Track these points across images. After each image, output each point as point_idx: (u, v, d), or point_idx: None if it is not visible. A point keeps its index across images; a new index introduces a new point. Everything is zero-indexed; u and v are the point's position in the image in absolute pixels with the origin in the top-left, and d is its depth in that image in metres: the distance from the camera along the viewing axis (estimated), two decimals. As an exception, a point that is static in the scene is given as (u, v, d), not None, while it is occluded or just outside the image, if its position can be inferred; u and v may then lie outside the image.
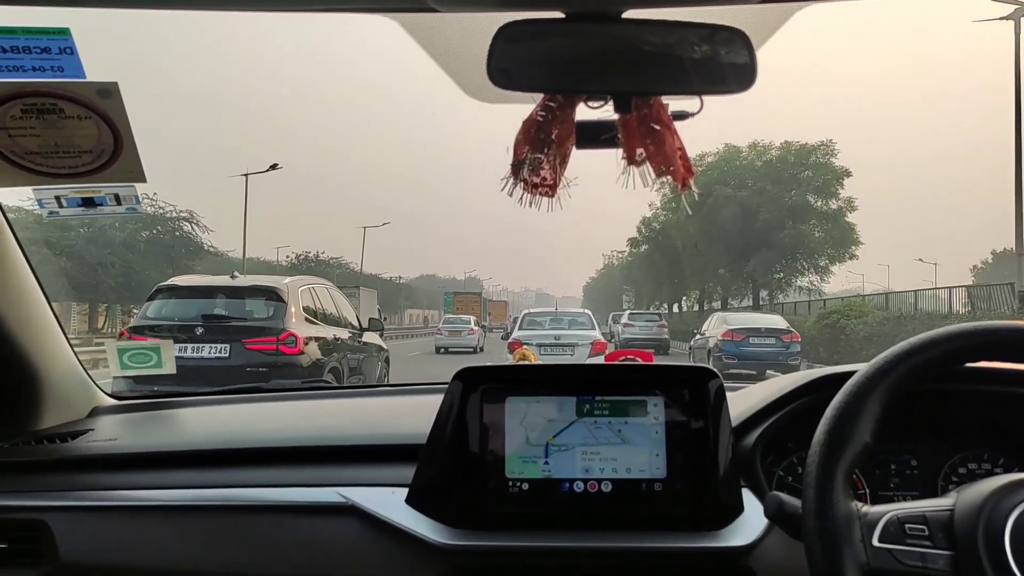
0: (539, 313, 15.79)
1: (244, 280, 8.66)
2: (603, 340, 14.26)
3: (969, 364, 1.05)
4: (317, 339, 8.20)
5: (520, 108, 1.12)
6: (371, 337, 9.96)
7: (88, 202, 1.50)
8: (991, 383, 1.38)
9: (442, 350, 27.16)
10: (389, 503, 1.30)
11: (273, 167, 36.33)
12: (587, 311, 16.22)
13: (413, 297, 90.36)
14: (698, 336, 19.18)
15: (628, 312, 32.28)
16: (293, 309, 8.00)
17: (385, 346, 10.59)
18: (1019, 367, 1.35)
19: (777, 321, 18.26)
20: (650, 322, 29.55)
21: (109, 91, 1.33)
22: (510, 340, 14.20)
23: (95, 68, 1.29)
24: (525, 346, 12.31)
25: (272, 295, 8.11)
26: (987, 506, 0.90)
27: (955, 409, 1.41)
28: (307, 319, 8.26)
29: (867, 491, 1.40)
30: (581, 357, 12.96)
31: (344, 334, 9.09)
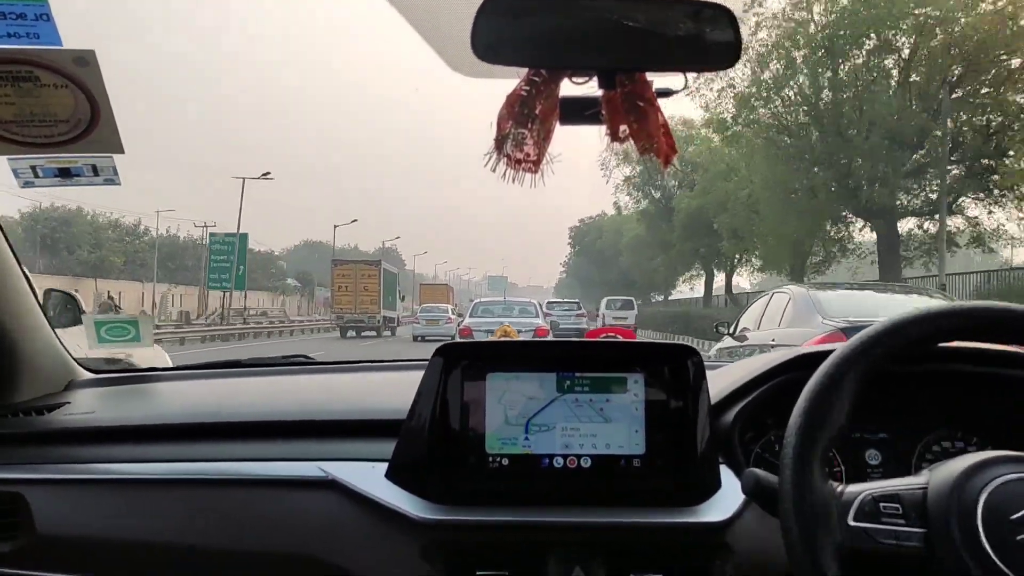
0: (490, 302, 18.16)
1: None
2: (545, 327, 15.85)
3: (943, 344, 1.06)
4: None
5: (504, 83, 1.12)
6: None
7: (65, 173, 1.48)
8: (965, 362, 1.40)
9: (419, 338, 27.82)
10: (369, 478, 1.31)
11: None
12: (534, 301, 18.57)
13: (284, 274, 73.37)
14: (730, 339, 9.17)
15: (546, 301, 30.78)
16: None
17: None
18: (991, 346, 1.37)
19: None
20: (568, 311, 29.59)
21: (86, 59, 1.31)
22: (461, 327, 16.22)
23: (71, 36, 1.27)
24: (505, 324, 12.83)
25: None
26: (959, 484, 0.91)
27: (929, 389, 1.43)
28: None
29: (843, 469, 1.42)
30: None
31: None
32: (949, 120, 18.15)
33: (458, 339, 14.54)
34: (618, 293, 42.07)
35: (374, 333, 33.63)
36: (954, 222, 21.32)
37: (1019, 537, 0.86)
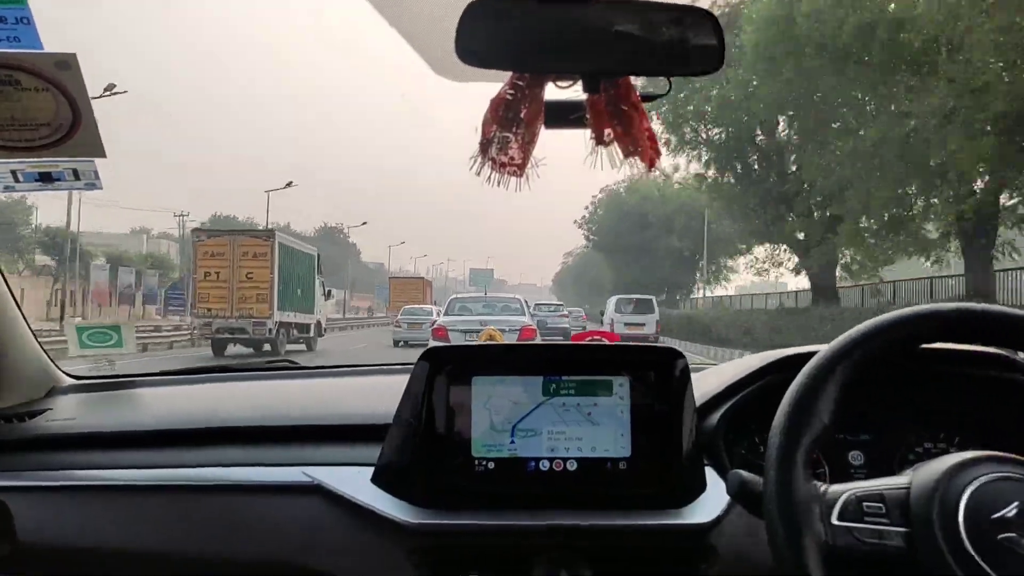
0: (469, 298, 15.62)
1: None
2: (532, 326, 13.19)
3: (925, 346, 1.07)
4: None
5: (488, 86, 1.12)
6: None
7: (46, 177, 1.47)
8: (947, 364, 1.42)
9: (400, 343, 23.17)
10: (355, 482, 1.30)
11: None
12: (519, 297, 15.63)
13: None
14: None
15: (535, 303, 29.96)
16: None
17: None
18: (973, 348, 1.38)
19: None
20: (552, 312, 31.23)
21: (68, 63, 1.30)
22: (435, 327, 13.22)
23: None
24: (490, 327, 12.13)
25: None
26: (942, 484, 0.92)
27: (912, 390, 1.44)
28: None
29: (827, 470, 1.43)
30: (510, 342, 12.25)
31: None
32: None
33: (432, 341, 11.93)
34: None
35: (268, 347, 20.34)
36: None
37: (1000, 536, 0.87)
